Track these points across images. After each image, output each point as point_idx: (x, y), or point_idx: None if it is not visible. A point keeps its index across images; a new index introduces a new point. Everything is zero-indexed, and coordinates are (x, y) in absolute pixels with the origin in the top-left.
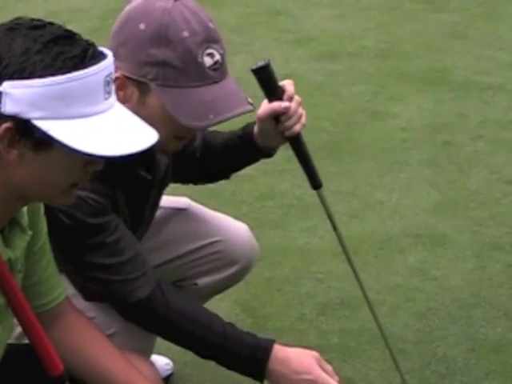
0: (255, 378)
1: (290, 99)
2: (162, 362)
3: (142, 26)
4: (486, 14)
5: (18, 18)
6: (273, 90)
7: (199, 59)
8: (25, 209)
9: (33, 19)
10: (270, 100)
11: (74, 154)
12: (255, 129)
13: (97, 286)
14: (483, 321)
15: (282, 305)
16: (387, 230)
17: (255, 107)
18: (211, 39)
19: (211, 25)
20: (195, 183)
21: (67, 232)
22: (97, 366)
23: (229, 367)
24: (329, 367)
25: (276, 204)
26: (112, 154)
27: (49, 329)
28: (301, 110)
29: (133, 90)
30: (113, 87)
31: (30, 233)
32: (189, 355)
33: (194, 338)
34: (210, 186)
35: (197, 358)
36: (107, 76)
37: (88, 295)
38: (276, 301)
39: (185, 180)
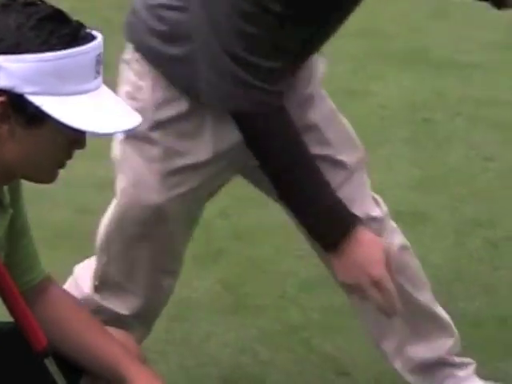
0: (325, 248)
1: None
2: None
3: None
4: None
5: None
6: None
7: None
8: (5, 187)
9: None
10: None
11: (62, 133)
12: None
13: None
14: (463, 296)
15: (264, 282)
16: None
17: None
18: None
19: None
20: None
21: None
22: (80, 340)
23: (306, 222)
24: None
25: None
26: (103, 132)
27: (32, 307)
28: None
29: None
30: (101, 68)
31: (10, 211)
32: (171, 334)
33: (289, 170)
34: None
35: (178, 336)
36: (98, 55)
37: None
38: (257, 278)
39: None
